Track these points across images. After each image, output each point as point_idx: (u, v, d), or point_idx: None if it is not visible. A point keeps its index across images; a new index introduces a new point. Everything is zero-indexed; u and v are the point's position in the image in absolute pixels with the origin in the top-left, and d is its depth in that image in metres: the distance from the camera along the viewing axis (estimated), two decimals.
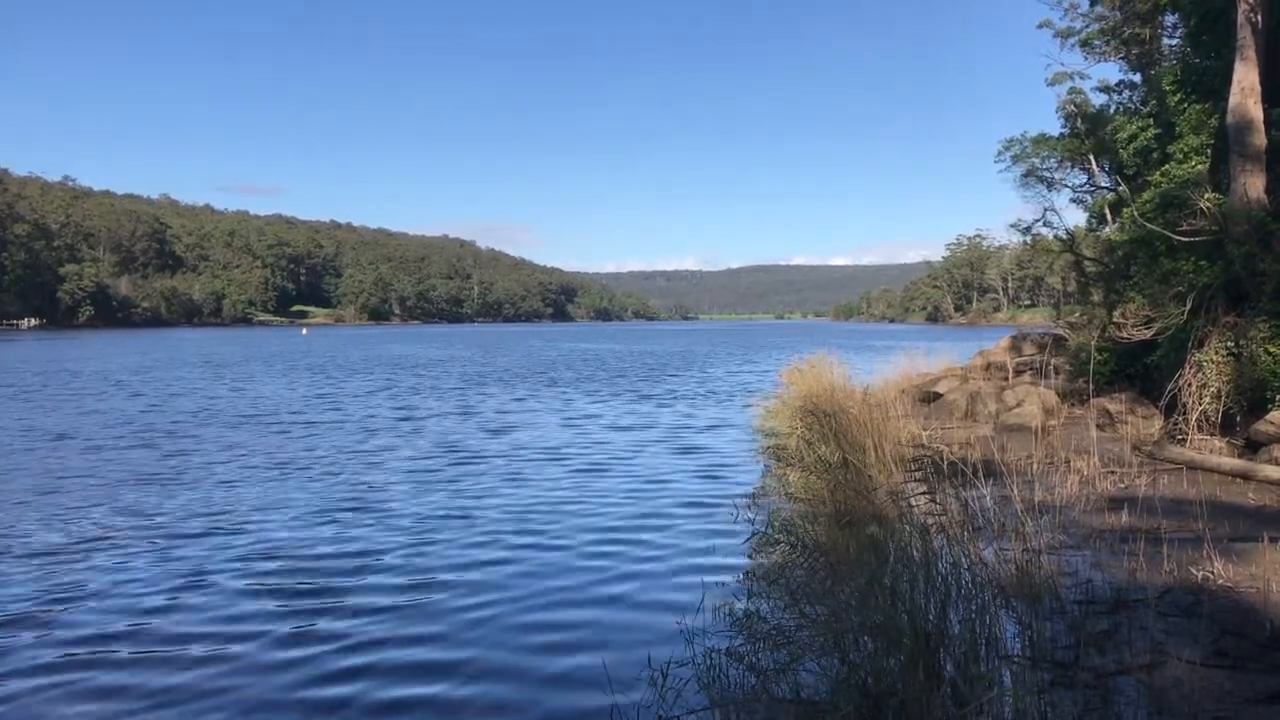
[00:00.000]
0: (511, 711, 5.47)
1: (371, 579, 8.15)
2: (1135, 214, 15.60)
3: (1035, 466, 10.41)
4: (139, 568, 8.51)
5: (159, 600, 7.56)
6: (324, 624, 6.96)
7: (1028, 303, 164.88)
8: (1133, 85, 28.55)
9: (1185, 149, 15.81)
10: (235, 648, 6.44)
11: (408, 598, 7.60)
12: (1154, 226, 13.79)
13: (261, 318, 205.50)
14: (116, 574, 8.28)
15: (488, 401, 26.11)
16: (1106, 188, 31.02)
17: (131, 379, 34.83)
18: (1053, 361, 21.13)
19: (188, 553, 9.04)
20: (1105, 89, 30.76)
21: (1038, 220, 35.23)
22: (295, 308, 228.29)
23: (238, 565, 8.57)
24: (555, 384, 33.45)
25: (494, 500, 11.71)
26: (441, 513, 10.90)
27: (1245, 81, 12.77)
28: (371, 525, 10.27)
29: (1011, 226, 38.18)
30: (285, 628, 6.88)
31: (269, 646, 6.48)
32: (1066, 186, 34.60)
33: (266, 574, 8.29)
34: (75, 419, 20.95)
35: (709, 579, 7.66)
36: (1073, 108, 32.54)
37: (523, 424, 20.40)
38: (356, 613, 7.22)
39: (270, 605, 7.37)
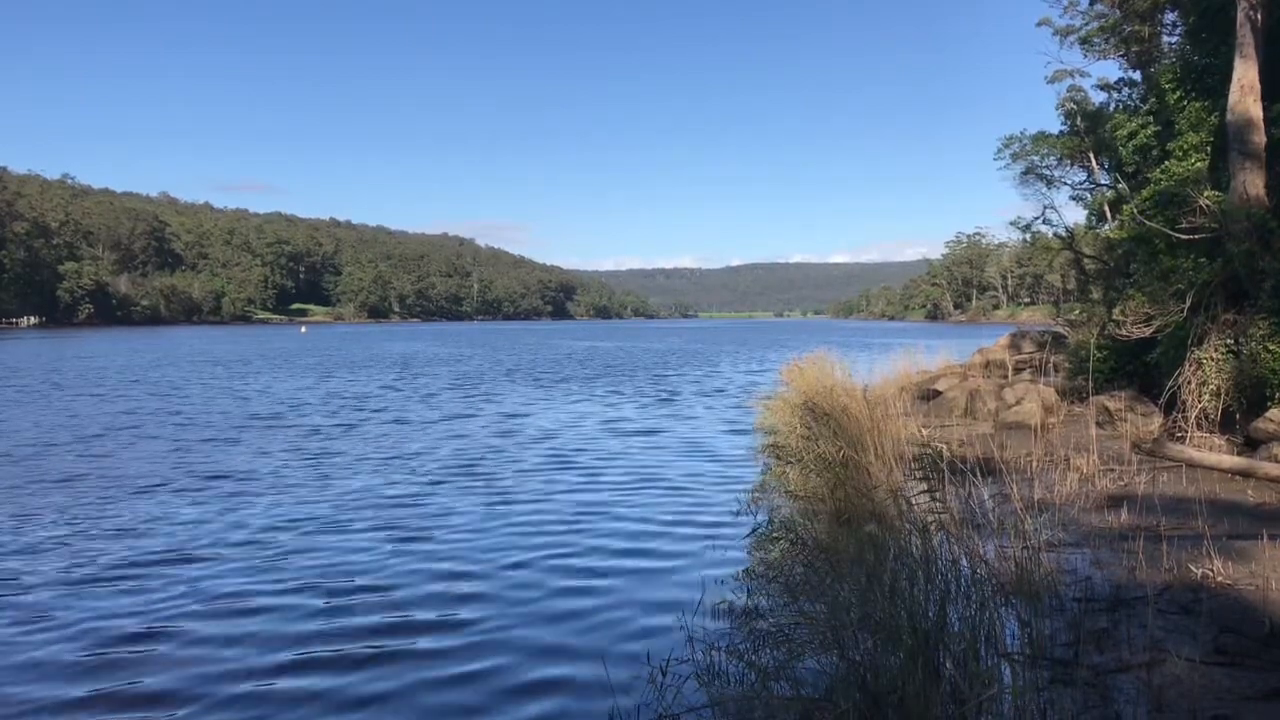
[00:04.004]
0: (511, 708, 5.48)
1: (378, 567, 8.17)
2: (1135, 211, 15.59)
3: (1034, 464, 10.40)
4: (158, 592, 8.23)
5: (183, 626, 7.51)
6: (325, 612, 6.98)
7: (1027, 300, 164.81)
8: (1132, 83, 28.54)
9: (1185, 146, 15.79)
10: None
11: (411, 587, 7.62)
12: (1153, 224, 13.78)
13: (261, 316, 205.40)
14: (137, 596, 7.99)
15: (494, 403, 26.13)
16: (1106, 185, 31.01)
17: (140, 379, 34.82)
18: (1052, 359, 21.15)
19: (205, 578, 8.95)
20: (1105, 86, 30.77)
21: (1037, 218, 35.22)
22: (294, 306, 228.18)
23: (260, 591, 8.27)
24: (558, 382, 33.45)
25: (497, 501, 11.72)
26: (448, 515, 10.91)
27: (1245, 79, 12.75)
28: (390, 526, 10.28)
29: (1011, 224, 38.23)
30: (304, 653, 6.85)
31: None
32: (1066, 184, 34.60)
33: (310, 605, 7.62)
34: (101, 420, 20.96)
35: (708, 576, 7.66)
36: (1072, 105, 32.52)
37: (526, 425, 20.41)
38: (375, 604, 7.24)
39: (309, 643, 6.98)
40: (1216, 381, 11.83)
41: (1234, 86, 12.86)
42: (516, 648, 6.41)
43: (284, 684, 5.82)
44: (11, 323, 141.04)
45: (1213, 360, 11.96)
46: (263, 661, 6.15)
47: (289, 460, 14.76)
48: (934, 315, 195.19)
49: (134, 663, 6.17)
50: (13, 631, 6.74)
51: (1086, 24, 29.56)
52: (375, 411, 22.66)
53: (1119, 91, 29.59)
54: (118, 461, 14.58)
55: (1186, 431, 11.89)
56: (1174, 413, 12.50)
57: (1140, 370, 15.05)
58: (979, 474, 8.50)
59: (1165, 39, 25.51)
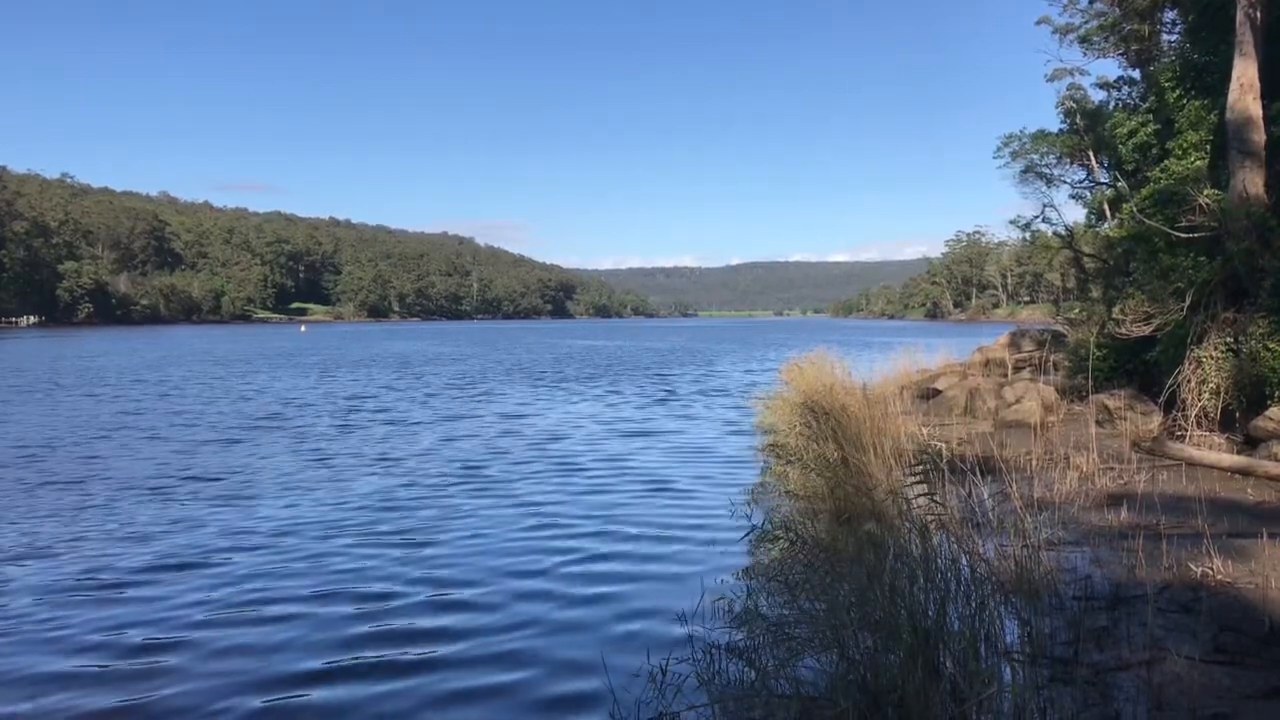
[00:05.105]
0: (511, 707, 5.48)
1: (382, 572, 8.17)
2: (1134, 210, 15.59)
3: (1034, 463, 10.40)
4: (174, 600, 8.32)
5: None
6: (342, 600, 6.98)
7: (1027, 299, 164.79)
8: (1132, 81, 28.54)
9: (1184, 145, 15.79)
10: None
11: (413, 587, 7.63)
12: (1153, 223, 13.77)
13: (260, 315, 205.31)
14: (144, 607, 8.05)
15: (495, 403, 26.14)
16: (1106, 184, 30.99)
17: (141, 379, 34.80)
18: (1052, 358, 21.13)
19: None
20: (1104, 85, 30.76)
21: (1037, 216, 35.22)
22: (294, 305, 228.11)
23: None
24: (558, 382, 33.44)
25: (498, 502, 11.73)
26: (450, 519, 10.90)
27: (1244, 78, 12.74)
28: (393, 529, 10.27)
29: (1011, 223, 38.20)
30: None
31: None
32: (1066, 183, 34.61)
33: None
34: (103, 421, 20.95)
35: (708, 575, 7.67)
36: (1072, 104, 32.52)
37: (527, 425, 20.41)
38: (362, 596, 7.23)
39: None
40: (1216, 380, 11.83)
41: (1233, 85, 12.86)
42: (517, 647, 6.41)
43: (286, 694, 5.83)
44: (11, 322, 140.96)
45: (1212, 359, 11.95)
46: (265, 673, 6.12)
47: (290, 462, 14.75)
48: (933, 314, 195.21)
49: (142, 673, 6.10)
50: (24, 639, 6.71)
51: (1086, 22, 29.57)
52: (376, 412, 22.66)
53: (1118, 90, 29.60)
54: (120, 463, 14.58)
55: (1186, 430, 11.89)
56: (1174, 411, 12.50)
57: (1140, 369, 15.05)
58: (979, 473, 8.50)
59: (1165, 37, 25.51)
